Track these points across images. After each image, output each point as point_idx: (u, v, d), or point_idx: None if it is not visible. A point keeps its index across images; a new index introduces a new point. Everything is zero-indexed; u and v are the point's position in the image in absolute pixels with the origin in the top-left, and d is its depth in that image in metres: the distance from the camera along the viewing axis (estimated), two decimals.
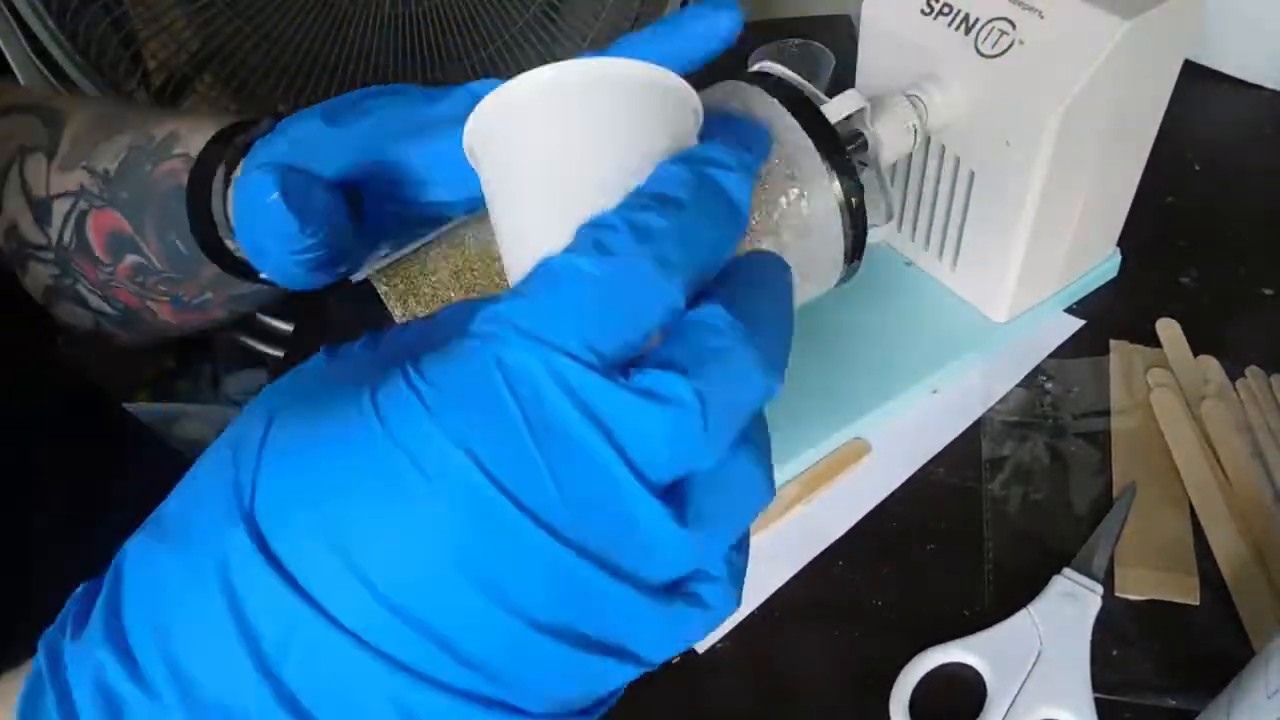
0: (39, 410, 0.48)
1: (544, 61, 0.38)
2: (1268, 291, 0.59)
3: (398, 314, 0.33)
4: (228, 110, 0.41)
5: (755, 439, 0.22)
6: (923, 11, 0.49)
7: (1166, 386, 0.52)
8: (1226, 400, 0.51)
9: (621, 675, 0.21)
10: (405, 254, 0.36)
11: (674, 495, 0.20)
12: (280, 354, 0.70)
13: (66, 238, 0.43)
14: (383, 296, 0.34)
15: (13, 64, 0.70)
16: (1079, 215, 0.52)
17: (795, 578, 0.47)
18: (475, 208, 0.36)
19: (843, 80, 0.57)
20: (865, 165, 0.43)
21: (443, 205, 0.36)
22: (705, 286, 0.22)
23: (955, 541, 0.48)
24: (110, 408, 0.59)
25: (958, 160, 0.51)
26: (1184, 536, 0.47)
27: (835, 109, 0.40)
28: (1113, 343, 0.56)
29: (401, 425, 0.19)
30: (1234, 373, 0.53)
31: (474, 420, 0.19)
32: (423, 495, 0.18)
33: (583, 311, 0.19)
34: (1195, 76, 0.72)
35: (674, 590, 0.21)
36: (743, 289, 0.22)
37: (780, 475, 0.50)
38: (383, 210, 0.36)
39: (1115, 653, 0.43)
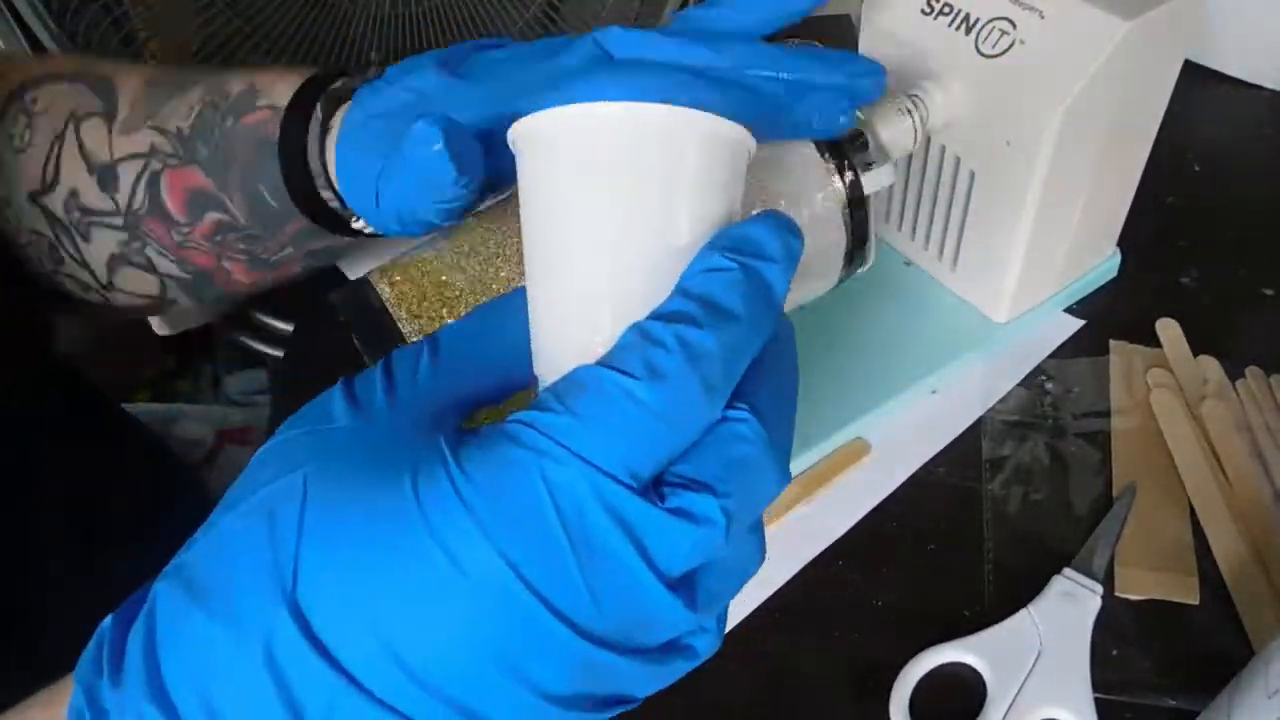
0: (39, 410, 0.48)
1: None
2: (1268, 291, 0.59)
3: (400, 314, 0.33)
4: (301, 66, 0.40)
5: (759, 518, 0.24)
6: (923, 11, 0.49)
7: (1166, 387, 0.52)
8: (1226, 400, 0.51)
9: (615, 712, 0.23)
10: (406, 252, 0.36)
11: (686, 582, 0.22)
12: (280, 354, 0.70)
13: (137, 201, 0.41)
14: (383, 296, 0.34)
15: None
16: (1079, 215, 0.52)
17: (795, 578, 0.47)
18: None
19: None
20: (870, 164, 0.43)
21: None
22: None
23: (955, 541, 0.48)
24: (110, 408, 0.59)
25: (958, 160, 0.51)
26: (1184, 536, 0.47)
27: (870, 183, 0.40)
28: (1113, 343, 0.56)
29: (442, 522, 0.20)
30: (1234, 373, 0.53)
31: (513, 526, 0.20)
32: (459, 592, 0.20)
33: (631, 440, 0.20)
34: (1195, 76, 0.72)
35: (670, 646, 0.23)
36: (766, 381, 0.23)
37: None
38: (502, 163, 0.35)
39: (1115, 652, 0.43)
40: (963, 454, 0.52)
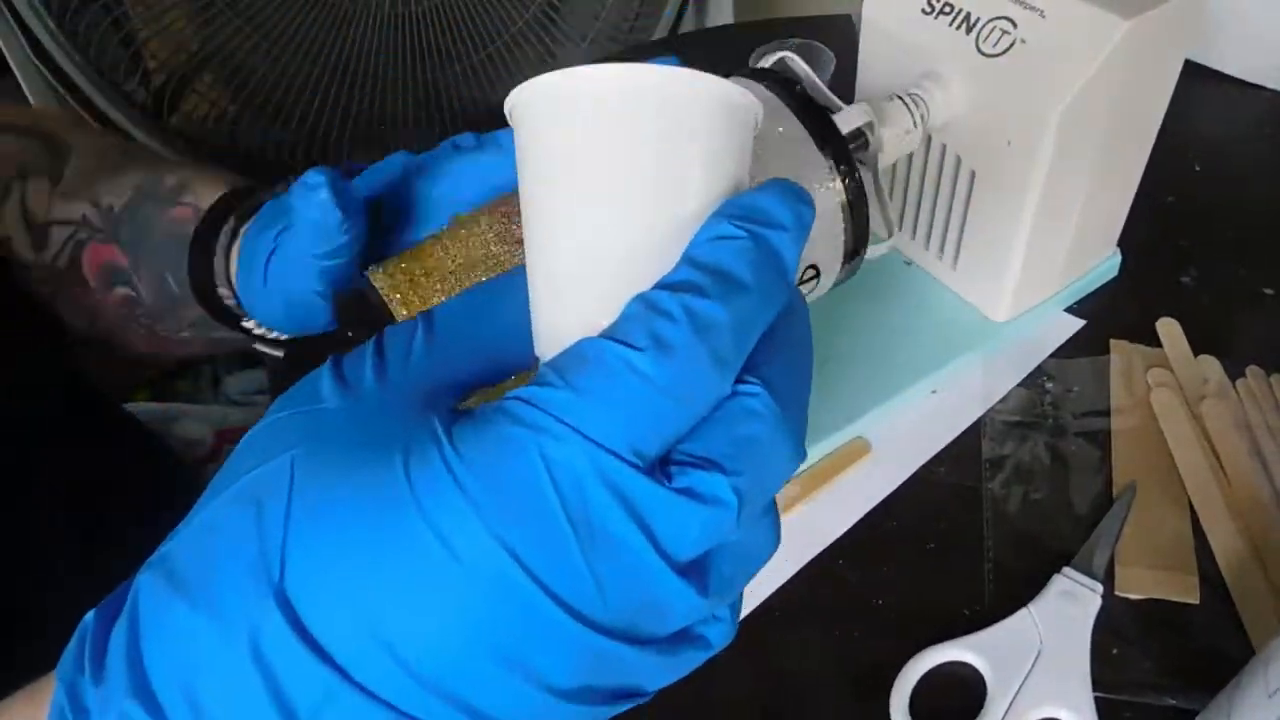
0: (39, 410, 0.48)
1: (543, 62, 0.37)
2: (1268, 291, 0.59)
3: (401, 314, 0.33)
4: (229, 174, 0.46)
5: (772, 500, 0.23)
6: (923, 11, 0.49)
7: (1166, 386, 0.52)
8: (1226, 399, 0.51)
9: (626, 706, 0.22)
10: (406, 250, 0.36)
11: (696, 566, 0.21)
12: (280, 354, 0.70)
13: (61, 261, 0.45)
14: (383, 294, 0.34)
15: (12, 64, 0.70)
16: (1079, 215, 0.52)
17: (795, 577, 0.47)
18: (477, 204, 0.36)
19: (843, 80, 0.57)
20: (865, 164, 0.43)
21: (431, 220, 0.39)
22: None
23: (955, 541, 0.48)
24: (110, 408, 0.59)
25: (958, 160, 0.51)
26: (1184, 535, 0.47)
27: (845, 120, 0.40)
28: (1113, 342, 0.56)
29: (435, 506, 0.19)
30: (1234, 372, 0.53)
31: (510, 508, 0.19)
32: (453, 579, 0.19)
33: (636, 416, 0.19)
34: (1196, 76, 0.72)
35: (681, 635, 0.22)
36: (778, 354, 0.22)
37: None
38: (385, 223, 0.39)
39: (1115, 651, 0.43)
40: (963, 453, 0.52)
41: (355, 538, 0.19)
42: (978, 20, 0.47)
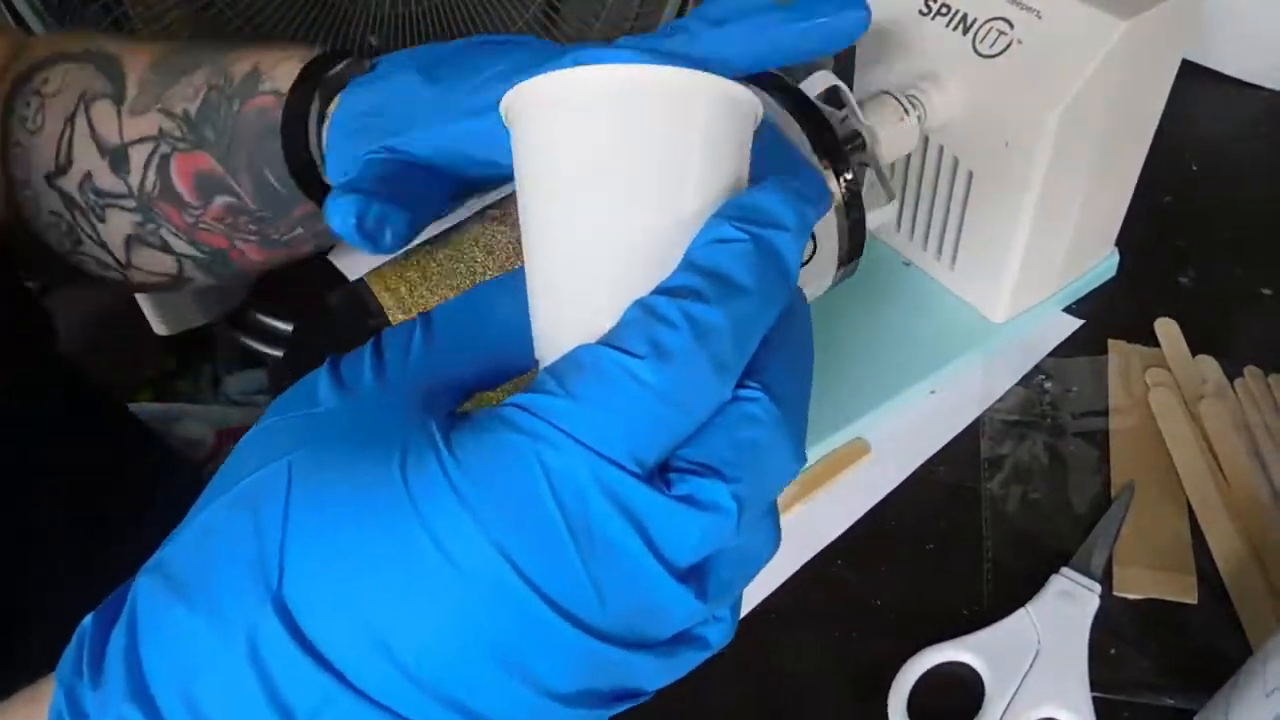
0: (39, 410, 0.48)
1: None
2: (1266, 291, 0.59)
3: (398, 317, 0.33)
4: (302, 44, 0.40)
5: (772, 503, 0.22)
6: (921, 11, 0.49)
7: (1165, 386, 0.52)
8: (1224, 399, 0.52)
9: (626, 707, 0.22)
10: (402, 254, 0.36)
11: (696, 571, 0.21)
12: (280, 354, 0.70)
13: (149, 183, 0.41)
14: (380, 298, 0.34)
15: None
16: (1077, 215, 0.52)
17: (794, 577, 0.47)
18: None
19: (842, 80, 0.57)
20: (866, 165, 0.43)
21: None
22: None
23: (954, 541, 0.48)
24: (110, 408, 0.59)
25: (956, 160, 0.51)
26: (1182, 535, 0.47)
27: (810, 86, 0.40)
28: (1111, 342, 0.56)
29: (432, 511, 0.19)
30: (1232, 372, 0.53)
31: (508, 515, 0.19)
32: (450, 585, 0.19)
33: (635, 424, 0.19)
34: (1194, 76, 0.72)
35: (681, 637, 0.22)
36: (778, 357, 0.21)
37: None
38: (469, 175, 0.35)
39: (1113, 651, 0.44)
40: (961, 453, 0.52)
41: (353, 542, 0.19)
42: (975, 21, 0.47)
